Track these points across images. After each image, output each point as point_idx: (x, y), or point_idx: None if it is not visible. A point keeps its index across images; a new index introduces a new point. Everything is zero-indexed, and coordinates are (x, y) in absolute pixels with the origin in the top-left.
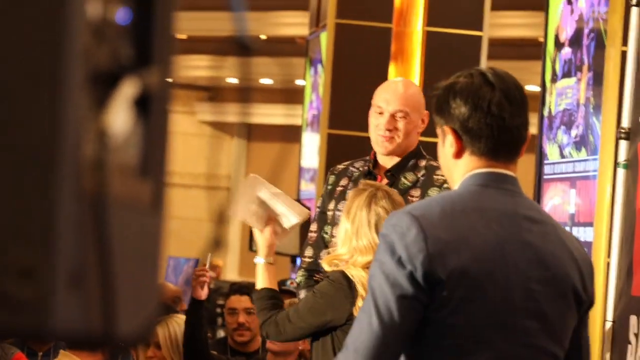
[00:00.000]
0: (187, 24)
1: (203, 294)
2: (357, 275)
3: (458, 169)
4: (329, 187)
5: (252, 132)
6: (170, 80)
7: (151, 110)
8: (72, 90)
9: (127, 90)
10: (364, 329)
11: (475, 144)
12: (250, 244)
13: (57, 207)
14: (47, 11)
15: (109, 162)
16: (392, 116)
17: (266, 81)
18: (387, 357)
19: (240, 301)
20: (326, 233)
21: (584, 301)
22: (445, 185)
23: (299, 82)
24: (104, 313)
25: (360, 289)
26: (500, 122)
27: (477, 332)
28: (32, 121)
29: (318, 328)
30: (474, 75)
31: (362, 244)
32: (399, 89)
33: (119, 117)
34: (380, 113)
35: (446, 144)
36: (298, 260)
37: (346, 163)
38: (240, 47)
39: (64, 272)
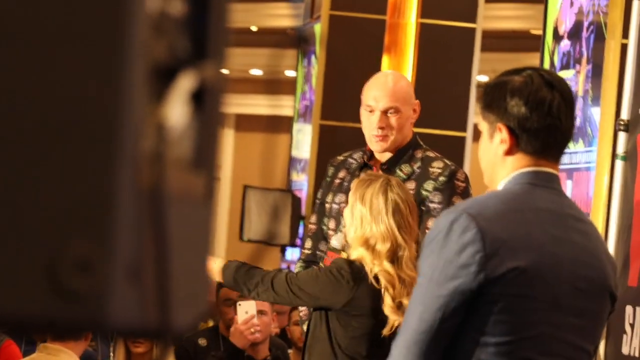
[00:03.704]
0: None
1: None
2: (382, 272)
3: (506, 165)
4: (328, 178)
5: (239, 123)
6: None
7: (206, 104)
8: (132, 84)
9: (185, 84)
10: (414, 321)
11: (531, 142)
12: (240, 233)
13: (115, 200)
14: (107, 5)
15: (166, 156)
16: (383, 113)
17: (256, 72)
18: (434, 350)
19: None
20: (325, 225)
21: (616, 300)
22: (441, 179)
23: (289, 73)
24: (160, 306)
25: (385, 283)
26: (558, 123)
27: (525, 329)
28: (92, 115)
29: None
30: (533, 76)
31: (381, 229)
32: (387, 84)
33: (176, 110)
34: (371, 111)
35: (495, 141)
36: (287, 251)
37: (345, 154)
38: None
39: (121, 265)
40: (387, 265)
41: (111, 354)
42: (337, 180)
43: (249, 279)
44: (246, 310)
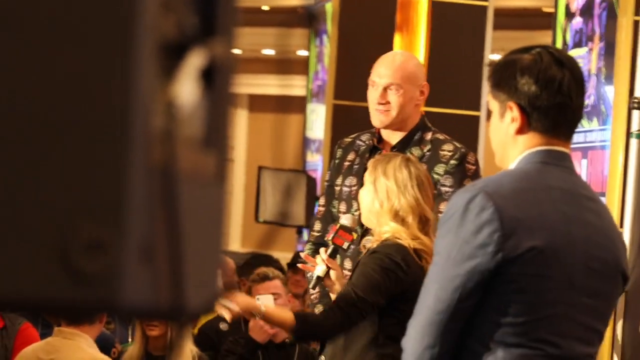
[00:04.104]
0: None
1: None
2: (424, 246)
3: (517, 144)
4: (337, 160)
5: (252, 103)
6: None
7: (216, 82)
8: (141, 61)
9: (194, 61)
10: (431, 300)
11: (541, 121)
12: (256, 215)
13: (127, 180)
14: None
15: (177, 134)
16: (385, 89)
17: (268, 52)
18: (451, 330)
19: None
20: (334, 207)
21: (627, 280)
22: (452, 162)
23: (301, 52)
24: (173, 287)
25: (427, 257)
26: (568, 101)
27: (541, 309)
28: (102, 94)
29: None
30: (542, 54)
31: (409, 201)
32: (394, 62)
33: (187, 88)
34: (374, 86)
35: (506, 119)
36: (303, 232)
37: (353, 136)
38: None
39: (134, 246)
40: (426, 239)
41: (129, 338)
42: (347, 163)
43: (319, 330)
44: (265, 304)
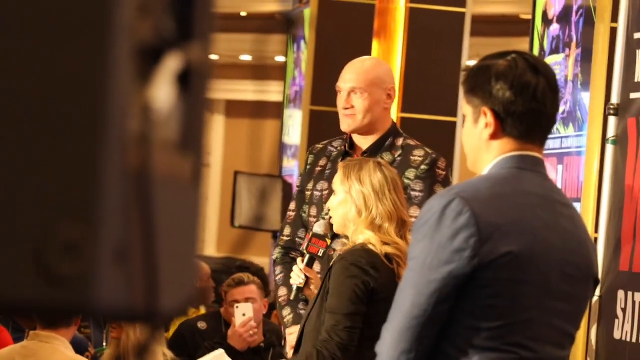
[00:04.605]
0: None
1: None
2: (396, 249)
3: (491, 150)
4: (308, 166)
5: (229, 108)
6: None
7: (192, 85)
8: (117, 64)
9: (170, 65)
10: (406, 305)
11: (515, 126)
12: (231, 219)
13: (102, 182)
14: None
15: (152, 137)
16: (349, 94)
17: (245, 57)
18: (427, 335)
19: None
20: (304, 212)
21: (597, 284)
22: (422, 167)
23: (278, 58)
24: (147, 289)
25: (399, 260)
26: (543, 107)
27: (516, 313)
28: (78, 96)
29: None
30: (517, 60)
31: (387, 207)
32: (358, 67)
33: (163, 91)
34: (340, 92)
35: (479, 124)
36: (278, 236)
37: (324, 142)
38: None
39: (108, 247)
40: (402, 242)
41: (104, 342)
42: (318, 168)
43: None
44: (243, 312)
